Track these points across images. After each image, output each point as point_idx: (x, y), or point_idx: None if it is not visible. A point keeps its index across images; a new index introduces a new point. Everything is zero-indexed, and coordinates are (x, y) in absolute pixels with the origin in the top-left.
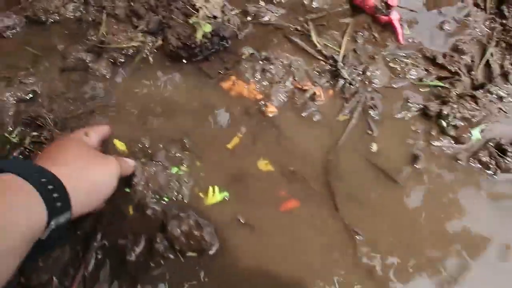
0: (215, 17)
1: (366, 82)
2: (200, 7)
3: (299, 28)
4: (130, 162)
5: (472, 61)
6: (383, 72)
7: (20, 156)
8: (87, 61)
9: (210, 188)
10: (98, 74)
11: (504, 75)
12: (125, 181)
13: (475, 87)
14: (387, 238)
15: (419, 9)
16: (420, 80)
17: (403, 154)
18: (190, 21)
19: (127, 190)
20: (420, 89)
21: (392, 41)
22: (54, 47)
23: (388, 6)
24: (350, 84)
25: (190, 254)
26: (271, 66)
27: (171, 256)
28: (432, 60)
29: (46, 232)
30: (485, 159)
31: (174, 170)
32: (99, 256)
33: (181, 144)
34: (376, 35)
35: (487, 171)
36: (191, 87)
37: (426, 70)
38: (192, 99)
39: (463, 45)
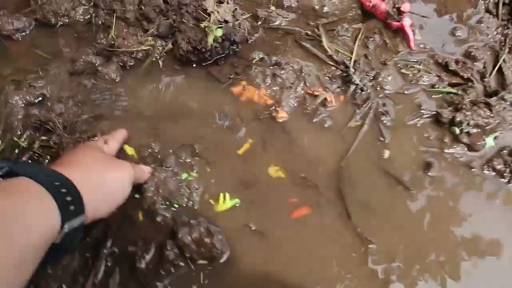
0: (226, 22)
1: (378, 88)
2: (212, 12)
3: (309, 33)
4: (146, 169)
5: (484, 67)
6: (395, 78)
7: (29, 160)
8: (97, 64)
9: (221, 195)
10: (108, 78)
11: None
12: (135, 187)
13: (488, 94)
14: (401, 246)
15: (431, 15)
16: (432, 86)
17: (416, 161)
18: (202, 25)
19: (137, 196)
20: (433, 96)
21: (404, 47)
22: (63, 50)
23: (400, 12)
24: (362, 90)
25: (200, 261)
26: (282, 71)
27: (182, 264)
28: (444, 67)
29: (60, 236)
30: (500, 166)
31: (184, 176)
32: (109, 264)
33: (191, 149)
34: (387, 40)
35: (502, 179)
36: (201, 91)
37: (438, 76)
38: (202, 103)
39: (476, 52)
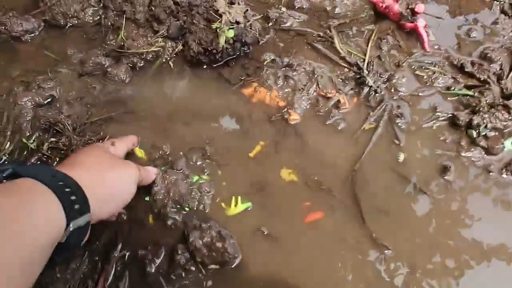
0: (237, 23)
1: (392, 90)
2: (223, 13)
3: (321, 34)
4: (152, 170)
5: (501, 69)
6: (409, 80)
7: (38, 162)
8: (106, 66)
9: (233, 199)
10: (117, 79)
11: None
12: (145, 189)
13: (505, 96)
14: (417, 252)
15: (445, 16)
16: (448, 88)
17: (432, 165)
18: (213, 26)
19: (147, 199)
20: (448, 98)
21: (418, 48)
22: (72, 52)
23: (414, 13)
24: (376, 92)
25: (212, 266)
26: (294, 73)
27: (193, 268)
28: (459, 68)
29: (65, 234)
30: None
31: (195, 178)
32: (119, 268)
33: (202, 152)
34: (401, 42)
35: None
36: (212, 93)
37: (454, 78)
38: (213, 105)
39: (492, 53)
